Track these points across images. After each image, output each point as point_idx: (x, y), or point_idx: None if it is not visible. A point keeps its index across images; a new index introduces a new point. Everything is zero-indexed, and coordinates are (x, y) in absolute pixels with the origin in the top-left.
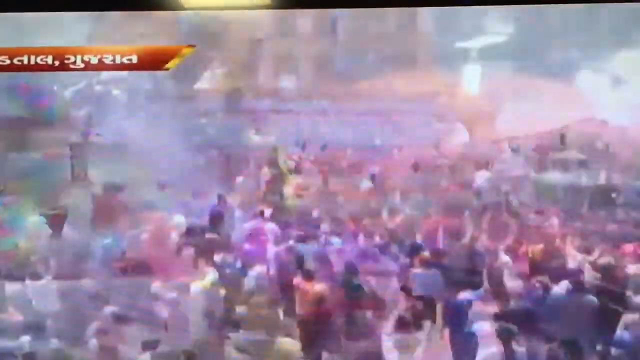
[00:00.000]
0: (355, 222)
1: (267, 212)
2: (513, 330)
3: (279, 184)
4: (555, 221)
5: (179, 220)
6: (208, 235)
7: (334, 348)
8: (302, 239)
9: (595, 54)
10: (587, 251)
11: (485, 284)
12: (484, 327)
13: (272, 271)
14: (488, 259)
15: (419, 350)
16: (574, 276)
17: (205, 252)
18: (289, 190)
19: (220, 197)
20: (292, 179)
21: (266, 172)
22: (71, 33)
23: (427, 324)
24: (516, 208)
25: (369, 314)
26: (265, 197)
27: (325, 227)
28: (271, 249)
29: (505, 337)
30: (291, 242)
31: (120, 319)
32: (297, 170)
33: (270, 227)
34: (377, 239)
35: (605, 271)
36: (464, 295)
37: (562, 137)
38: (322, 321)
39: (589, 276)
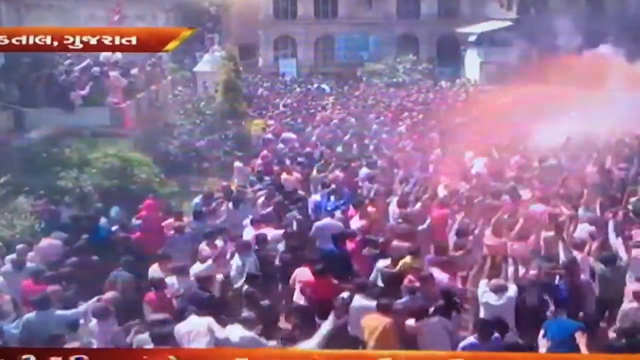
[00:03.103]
0: (354, 207)
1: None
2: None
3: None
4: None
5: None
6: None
7: None
8: (300, 224)
9: None
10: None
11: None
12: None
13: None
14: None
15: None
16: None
17: (205, 236)
18: (286, 175)
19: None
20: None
21: (264, 156)
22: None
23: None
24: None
25: None
26: (262, 182)
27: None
28: (269, 233)
29: (486, 330)
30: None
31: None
32: (295, 155)
33: (268, 212)
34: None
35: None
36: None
37: None
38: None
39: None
